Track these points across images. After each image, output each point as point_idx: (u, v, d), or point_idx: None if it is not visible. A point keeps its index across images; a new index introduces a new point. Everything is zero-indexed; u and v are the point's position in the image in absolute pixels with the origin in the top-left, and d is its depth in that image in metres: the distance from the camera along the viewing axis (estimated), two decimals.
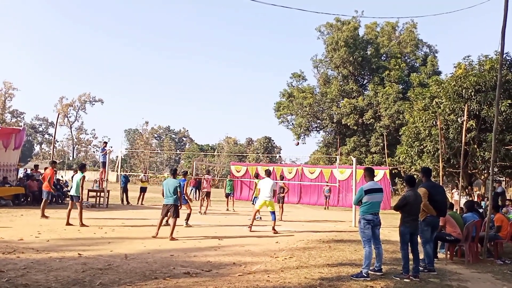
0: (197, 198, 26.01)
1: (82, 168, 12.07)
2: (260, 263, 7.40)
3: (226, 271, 6.71)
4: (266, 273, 6.66)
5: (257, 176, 16.45)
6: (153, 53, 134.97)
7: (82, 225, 11.21)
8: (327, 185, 23.29)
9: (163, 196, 10.16)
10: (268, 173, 12.77)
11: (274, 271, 6.79)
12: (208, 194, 17.02)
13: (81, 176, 11.73)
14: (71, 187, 12.36)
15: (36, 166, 21.01)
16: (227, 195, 19.48)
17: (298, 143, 12.08)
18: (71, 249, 7.86)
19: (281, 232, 11.78)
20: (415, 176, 14.77)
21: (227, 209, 18.60)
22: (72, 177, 19.79)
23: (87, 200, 18.36)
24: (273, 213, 11.85)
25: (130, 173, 40.60)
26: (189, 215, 12.55)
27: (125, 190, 20.05)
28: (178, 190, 10.04)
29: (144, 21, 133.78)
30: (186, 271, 6.51)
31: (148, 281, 5.86)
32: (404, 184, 29.00)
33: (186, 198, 12.60)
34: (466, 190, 15.93)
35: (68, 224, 11.27)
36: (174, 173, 10.57)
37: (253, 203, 14.29)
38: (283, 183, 17.56)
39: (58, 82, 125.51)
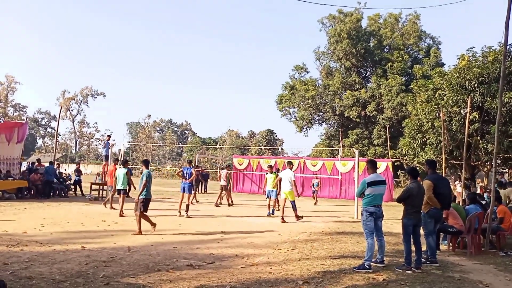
0: (199, 191, 26.13)
1: (125, 163, 13.59)
2: (262, 255, 7.42)
3: (228, 263, 6.73)
4: (269, 265, 6.68)
5: (271, 168, 15.14)
6: (154, 47, 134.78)
7: (122, 215, 12.19)
8: (316, 178, 22.16)
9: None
10: (290, 165, 13.46)
11: (276, 263, 6.81)
12: (225, 188, 17.29)
13: (126, 170, 12.94)
14: (116, 182, 13.02)
15: (39, 160, 21.08)
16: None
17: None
18: (75, 242, 7.91)
19: (287, 222, 12.10)
20: (417, 168, 14.74)
21: (230, 203, 18.33)
22: (75, 170, 20.07)
23: (90, 193, 18.46)
24: (293, 202, 12.60)
25: (133, 167, 40.67)
26: (187, 206, 12.89)
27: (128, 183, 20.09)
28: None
29: (145, 13, 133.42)
30: (189, 263, 6.53)
31: (151, 273, 5.89)
32: (406, 176, 28.98)
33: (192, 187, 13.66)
34: (465, 182, 15.76)
35: (122, 215, 12.15)
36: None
37: (267, 197, 14.28)
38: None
39: (60, 75, 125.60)
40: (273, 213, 13.98)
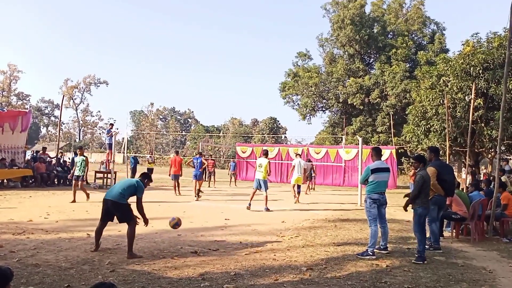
0: (203, 179, 26.22)
1: (81, 149, 13.73)
2: (266, 242, 7.46)
3: (233, 250, 6.77)
4: (273, 252, 6.72)
5: (266, 154, 14.32)
6: (157, 35, 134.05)
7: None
8: (312, 164, 21.47)
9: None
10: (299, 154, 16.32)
11: (280, 250, 6.85)
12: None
13: (84, 158, 13.03)
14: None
15: (44, 148, 21.15)
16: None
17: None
18: (80, 230, 7.97)
19: (287, 209, 12.01)
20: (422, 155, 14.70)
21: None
22: (73, 158, 20.18)
23: (95, 181, 18.54)
24: (299, 186, 14.76)
25: (137, 155, 40.90)
26: (199, 190, 14.45)
27: (134, 171, 20.20)
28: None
29: (148, 0, 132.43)
30: (194, 250, 6.58)
31: (156, 260, 5.94)
32: (410, 163, 28.90)
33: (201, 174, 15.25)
34: (461, 173, 15.81)
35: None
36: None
37: (258, 188, 12.28)
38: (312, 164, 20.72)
39: (63, 64, 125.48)
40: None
